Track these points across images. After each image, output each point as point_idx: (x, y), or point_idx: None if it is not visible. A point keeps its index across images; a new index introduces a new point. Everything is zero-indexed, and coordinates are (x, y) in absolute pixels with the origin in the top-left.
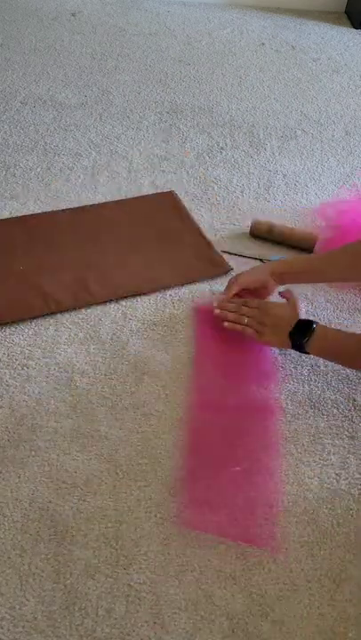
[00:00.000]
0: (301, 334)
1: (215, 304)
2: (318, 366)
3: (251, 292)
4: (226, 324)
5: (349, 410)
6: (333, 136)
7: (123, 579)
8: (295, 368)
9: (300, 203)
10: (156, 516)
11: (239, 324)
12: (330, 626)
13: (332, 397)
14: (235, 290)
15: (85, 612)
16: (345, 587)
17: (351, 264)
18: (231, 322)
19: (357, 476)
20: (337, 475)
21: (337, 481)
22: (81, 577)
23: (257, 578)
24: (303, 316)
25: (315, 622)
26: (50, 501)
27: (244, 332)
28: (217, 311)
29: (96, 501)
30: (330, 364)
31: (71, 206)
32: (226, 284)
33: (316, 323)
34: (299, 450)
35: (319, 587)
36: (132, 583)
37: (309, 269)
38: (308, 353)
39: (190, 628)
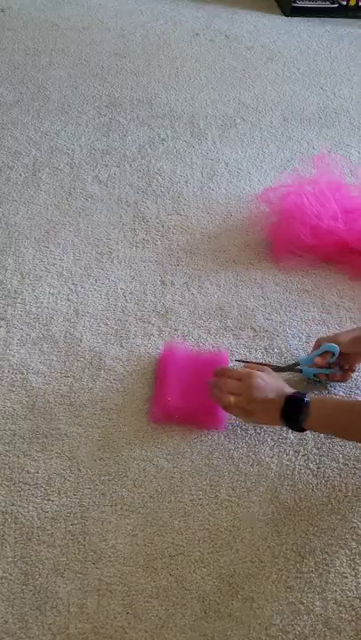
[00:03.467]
0: (294, 414)
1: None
2: (272, 348)
3: (343, 357)
4: (213, 396)
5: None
6: (272, 123)
7: (93, 574)
8: (249, 352)
9: (243, 190)
10: (121, 508)
11: (223, 401)
12: (298, 598)
13: (287, 377)
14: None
15: (57, 611)
16: (310, 558)
17: None
18: (217, 396)
19: (315, 451)
20: (295, 452)
21: (295, 457)
22: (50, 576)
23: (225, 559)
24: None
25: (283, 596)
26: (12, 504)
27: (230, 410)
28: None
29: (60, 499)
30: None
31: (13, 206)
32: None
33: (307, 395)
34: (258, 431)
35: (285, 561)
36: (102, 577)
37: None
38: (304, 430)
39: (163, 615)
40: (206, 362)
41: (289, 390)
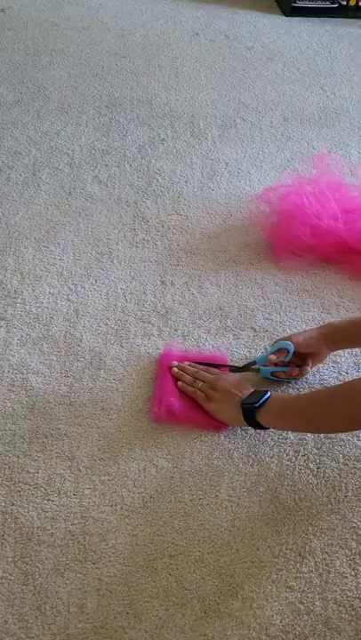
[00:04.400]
0: (254, 399)
1: (175, 362)
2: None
3: (299, 356)
4: (180, 383)
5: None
6: (272, 123)
7: (93, 573)
8: (249, 352)
9: (243, 190)
10: (121, 508)
11: (192, 386)
12: (298, 598)
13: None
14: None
15: (57, 611)
16: (309, 558)
17: None
18: (184, 383)
19: (315, 451)
20: (295, 452)
21: (295, 457)
22: (50, 576)
23: (225, 558)
24: None
25: (283, 596)
26: (12, 504)
27: (194, 395)
28: (175, 369)
29: (60, 500)
30: None
31: (13, 206)
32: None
33: (270, 392)
34: (258, 431)
35: (285, 561)
36: (102, 577)
37: None
38: (261, 426)
39: (163, 615)
40: (205, 362)
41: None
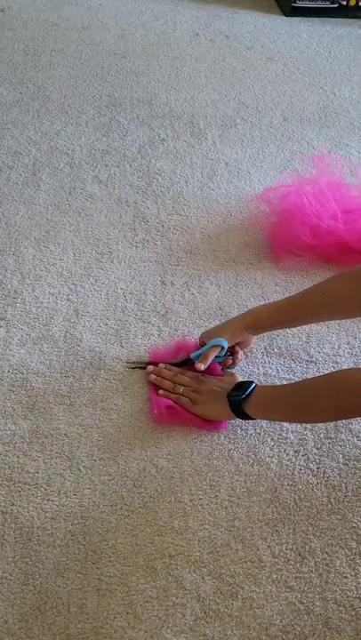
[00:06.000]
0: (239, 391)
1: (150, 368)
2: (272, 349)
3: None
4: (161, 391)
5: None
6: (272, 122)
7: (93, 573)
8: (250, 352)
9: (243, 190)
10: (121, 508)
11: (173, 393)
12: (298, 598)
13: (287, 377)
14: (214, 352)
15: (57, 611)
16: (310, 558)
17: (321, 304)
18: (165, 390)
19: (315, 451)
20: (295, 452)
21: (295, 457)
22: (50, 576)
23: (225, 559)
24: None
25: (283, 596)
26: (12, 504)
27: (178, 401)
28: (152, 377)
29: (60, 499)
30: (281, 352)
31: (13, 206)
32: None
33: (256, 383)
34: (258, 431)
35: (285, 561)
36: (102, 577)
37: (283, 319)
38: (249, 417)
39: (163, 615)
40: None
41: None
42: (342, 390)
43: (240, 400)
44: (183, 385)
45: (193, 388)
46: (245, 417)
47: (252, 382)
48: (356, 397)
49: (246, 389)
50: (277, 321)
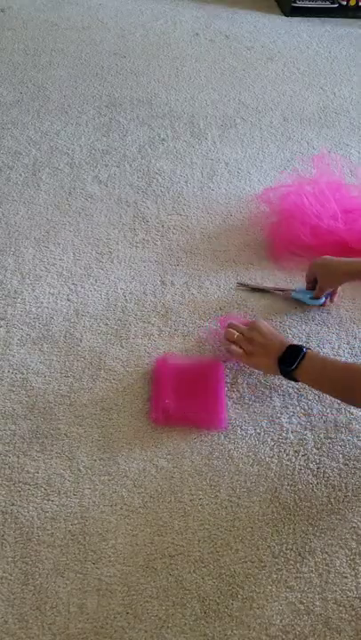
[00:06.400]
0: (291, 360)
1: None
2: None
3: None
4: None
5: (303, 387)
6: (272, 122)
7: (92, 574)
8: None
9: (243, 190)
10: (121, 508)
11: (230, 341)
12: (298, 598)
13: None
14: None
15: (57, 611)
16: (310, 558)
17: None
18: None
19: (315, 451)
20: (295, 452)
21: (295, 457)
22: (50, 576)
23: (225, 559)
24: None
25: (283, 596)
26: (12, 504)
27: (232, 351)
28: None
29: (60, 500)
30: None
31: (13, 206)
32: None
33: (308, 348)
34: (258, 431)
35: (285, 561)
36: (102, 577)
37: None
38: (296, 380)
39: (163, 615)
40: (202, 367)
41: (290, 341)
42: None
43: (290, 371)
44: (238, 333)
45: (248, 336)
46: (293, 380)
47: (302, 348)
48: None
49: (296, 358)
50: None
